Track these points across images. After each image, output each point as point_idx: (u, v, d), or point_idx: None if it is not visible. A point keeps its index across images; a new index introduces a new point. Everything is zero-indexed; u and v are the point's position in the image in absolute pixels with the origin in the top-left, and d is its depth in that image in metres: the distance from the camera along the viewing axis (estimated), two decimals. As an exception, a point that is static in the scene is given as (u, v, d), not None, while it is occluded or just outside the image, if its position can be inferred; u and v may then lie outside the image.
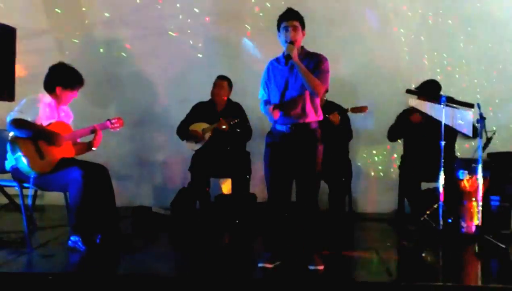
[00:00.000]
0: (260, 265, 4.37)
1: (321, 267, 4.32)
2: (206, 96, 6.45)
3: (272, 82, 4.46)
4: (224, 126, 6.07)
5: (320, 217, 4.53)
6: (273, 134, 4.48)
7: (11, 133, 4.81)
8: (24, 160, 4.75)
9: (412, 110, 5.94)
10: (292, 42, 4.30)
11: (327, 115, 5.73)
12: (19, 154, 4.75)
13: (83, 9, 7.19)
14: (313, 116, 4.43)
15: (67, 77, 5.08)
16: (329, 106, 6.08)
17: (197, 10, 7.15)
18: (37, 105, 4.90)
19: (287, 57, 4.27)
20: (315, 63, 4.38)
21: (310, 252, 4.42)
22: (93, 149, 5.18)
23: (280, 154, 4.41)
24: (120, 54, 7.18)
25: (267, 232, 4.59)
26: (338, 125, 5.93)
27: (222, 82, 6.37)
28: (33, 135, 4.80)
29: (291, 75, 4.38)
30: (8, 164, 4.94)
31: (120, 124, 5.22)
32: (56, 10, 7.15)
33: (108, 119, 5.20)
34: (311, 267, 4.32)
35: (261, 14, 7.08)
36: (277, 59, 4.50)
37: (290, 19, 4.36)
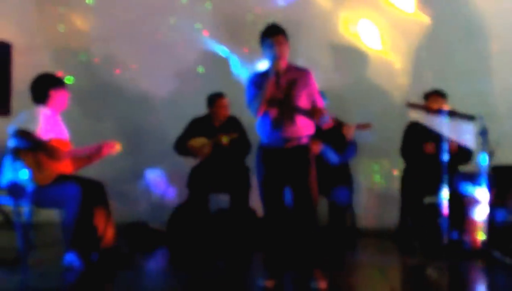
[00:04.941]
0: (260, 283, 4.28)
1: (323, 284, 4.22)
2: (203, 111, 6.37)
3: None
4: (223, 141, 6.00)
5: (320, 232, 4.45)
6: (264, 150, 4.41)
7: (12, 144, 4.75)
8: (24, 171, 4.69)
9: (421, 131, 5.89)
10: (276, 58, 4.29)
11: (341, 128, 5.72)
12: (20, 164, 4.70)
13: (82, 20, 7.14)
14: (306, 130, 4.39)
15: (52, 78, 5.08)
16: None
17: (195, 24, 7.10)
18: (37, 117, 4.85)
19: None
20: (304, 80, 4.38)
21: (311, 269, 4.32)
22: (92, 163, 5.08)
23: (273, 169, 4.35)
24: (116, 69, 7.11)
25: (267, 248, 4.49)
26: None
27: (224, 101, 6.28)
28: (36, 146, 4.74)
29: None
30: (5, 179, 4.85)
31: (116, 149, 5.11)
32: (52, 25, 7.09)
33: (106, 142, 5.09)
34: (313, 284, 4.22)
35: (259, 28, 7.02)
36: (264, 74, 4.40)
37: (274, 35, 4.34)
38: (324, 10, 7.01)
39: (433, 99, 5.86)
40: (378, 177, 7.03)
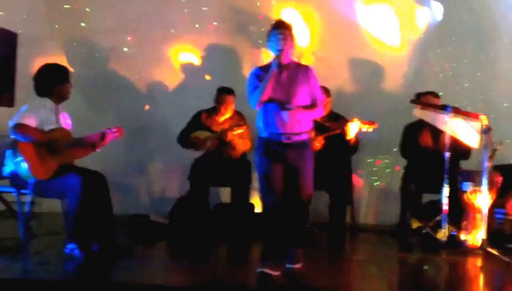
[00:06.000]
0: (258, 270, 4.29)
1: (299, 265, 4.40)
2: (207, 104, 6.39)
3: None
4: (227, 135, 6.02)
5: (308, 217, 4.58)
6: (266, 144, 4.47)
7: (12, 138, 4.75)
8: (24, 165, 4.69)
9: (420, 129, 5.90)
10: (280, 51, 4.35)
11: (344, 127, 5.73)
12: (20, 158, 4.70)
13: (87, 11, 7.17)
14: (307, 125, 4.47)
15: (57, 73, 5.05)
16: (334, 118, 6.03)
17: (201, 18, 7.12)
18: (39, 110, 4.86)
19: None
20: (306, 76, 4.47)
21: (293, 248, 4.46)
22: (96, 150, 5.09)
23: (274, 162, 4.41)
24: (121, 61, 7.14)
25: (265, 239, 4.52)
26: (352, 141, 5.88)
27: (228, 98, 6.28)
28: (36, 141, 4.74)
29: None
30: (7, 170, 4.87)
31: (119, 134, 5.13)
32: (58, 15, 7.12)
33: (108, 129, 5.10)
34: (288, 265, 4.39)
35: (265, 22, 7.03)
36: (265, 68, 4.48)
37: (280, 28, 4.42)
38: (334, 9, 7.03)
39: (426, 100, 5.84)
40: (379, 174, 7.04)
